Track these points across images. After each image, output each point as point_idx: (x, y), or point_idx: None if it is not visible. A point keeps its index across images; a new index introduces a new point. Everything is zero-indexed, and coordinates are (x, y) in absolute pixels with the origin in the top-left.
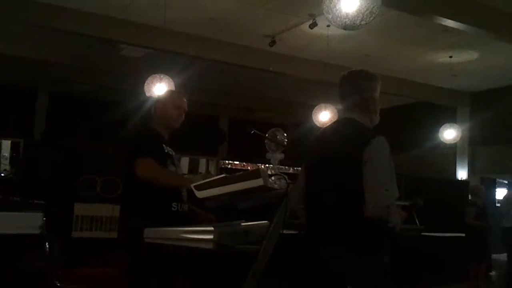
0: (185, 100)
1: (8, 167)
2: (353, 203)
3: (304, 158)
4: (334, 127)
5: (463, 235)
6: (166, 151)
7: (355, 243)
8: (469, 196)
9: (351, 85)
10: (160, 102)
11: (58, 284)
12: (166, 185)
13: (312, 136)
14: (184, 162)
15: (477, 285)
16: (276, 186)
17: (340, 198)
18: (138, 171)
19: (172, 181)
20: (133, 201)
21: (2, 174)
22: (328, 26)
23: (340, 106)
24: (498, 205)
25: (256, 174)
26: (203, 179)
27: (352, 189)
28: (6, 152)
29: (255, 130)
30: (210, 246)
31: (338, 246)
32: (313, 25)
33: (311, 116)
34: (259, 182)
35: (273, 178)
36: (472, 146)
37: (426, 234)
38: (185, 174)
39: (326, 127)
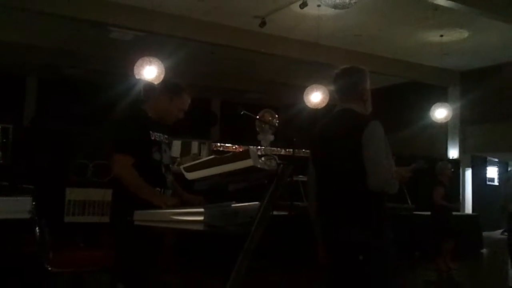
0: (189, 101)
1: None
2: (356, 181)
3: (310, 147)
4: (335, 117)
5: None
6: (153, 137)
7: (361, 217)
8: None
9: (345, 80)
10: (165, 95)
11: (49, 268)
12: (135, 193)
13: (315, 127)
14: (176, 145)
15: (443, 264)
16: (266, 167)
17: (345, 177)
18: (114, 167)
19: (140, 193)
20: (120, 185)
21: None
22: (319, 6)
23: (337, 98)
24: (489, 183)
25: (246, 154)
26: (192, 161)
27: (354, 168)
28: None
29: (244, 111)
30: (200, 227)
31: (346, 221)
32: (304, 5)
33: (303, 97)
34: (248, 162)
35: (263, 158)
36: (463, 125)
37: (417, 213)
38: (177, 157)
39: (327, 118)
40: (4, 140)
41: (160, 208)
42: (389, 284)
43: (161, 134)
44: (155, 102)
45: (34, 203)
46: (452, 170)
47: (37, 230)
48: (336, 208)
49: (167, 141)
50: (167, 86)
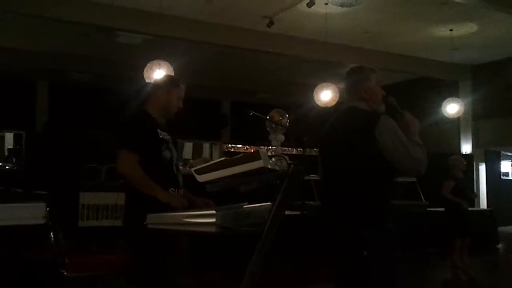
0: (183, 87)
1: (12, 159)
2: (363, 175)
3: (318, 146)
4: (341, 115)
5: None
6: (161, 136)
7: (361, 211)
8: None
9: (348, 79)
10: (162, 89)
11: (65, 273)
12: (140, 189)
13: (323, 126)
14: (188, 147)
15: (460, 261)
16: (277, 167)
17: (351, 171)
18: (118, 163)
19: (144, 189)
20: (132, 188)
21: (7, 167)
22: (326, 4)
23: (345, 97)
24: (504, 177)
25: (256, 156)
26: (203, 163)
27: (363, 163)
28: (9, 145)
29: (253, 112)
30: (212, 229)
31: (351, 217)
32: (311, 4)
33: (313, 96)
34: (259, 163)
35: (273, 159)
36: (476, 120)
37: (431, 209)
38: (189, 159)
39: (334, 116)
40: (18, 147)
41: (166, 204)
42: (390, 279)
43: (166, 134)
44: (154, 99)
45: (48, 208)
46: (465, 163)
47: (52, 236)
48: (339, 203)
49: (172, 141)
50: (165, 80)
